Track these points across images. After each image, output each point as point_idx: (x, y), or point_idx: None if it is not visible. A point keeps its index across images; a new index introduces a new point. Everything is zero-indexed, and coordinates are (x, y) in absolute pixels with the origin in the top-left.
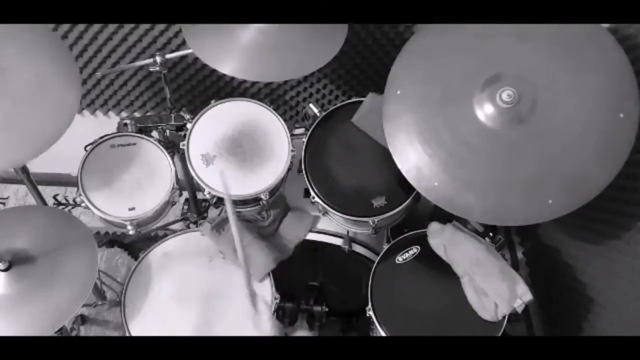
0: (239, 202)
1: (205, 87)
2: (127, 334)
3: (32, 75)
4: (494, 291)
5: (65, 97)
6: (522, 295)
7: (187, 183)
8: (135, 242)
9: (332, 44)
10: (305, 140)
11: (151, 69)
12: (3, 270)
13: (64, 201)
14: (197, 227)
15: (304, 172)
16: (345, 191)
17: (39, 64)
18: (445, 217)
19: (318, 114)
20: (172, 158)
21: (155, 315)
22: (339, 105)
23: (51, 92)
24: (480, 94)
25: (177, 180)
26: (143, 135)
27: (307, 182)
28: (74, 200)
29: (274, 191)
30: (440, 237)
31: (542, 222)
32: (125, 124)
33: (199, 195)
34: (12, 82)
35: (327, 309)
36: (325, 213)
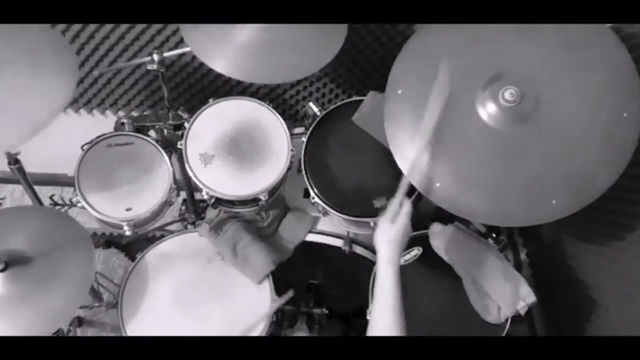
0: (237, 203)
1: (203, 86)
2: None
3: (26, 60)
4: (497, 293)
5: (58, 79)
6: (525, 297)
7: (185, 183)
8: (133, 243)
9: (331, 44)
10: (305, 139)
11: (149, 68)
12: None
13: (60, 201)
14: (195, 227)
15: (303, 172)
16: (345, 191)
17: (35, 51)
18: (447, 218)
19: (318, 113)
20: (170, 157)
21: (153, 317)
22: (339, 104)
23: (44, 74)
24: (483, 93)
25: (175, 180)
26: (140, 135)
27: (307, 182)
28: (70, 200)
29: (273, 191)
30: (442, 238)
31: (546, 222)
32: (123, 123)
33: (197, 196)
34: (7, 69)
35: (326, 311)
36: (325, 213)
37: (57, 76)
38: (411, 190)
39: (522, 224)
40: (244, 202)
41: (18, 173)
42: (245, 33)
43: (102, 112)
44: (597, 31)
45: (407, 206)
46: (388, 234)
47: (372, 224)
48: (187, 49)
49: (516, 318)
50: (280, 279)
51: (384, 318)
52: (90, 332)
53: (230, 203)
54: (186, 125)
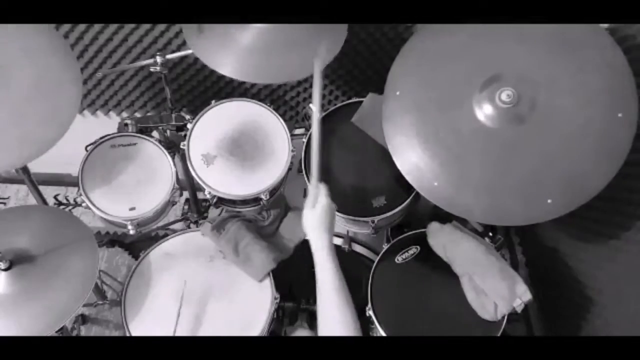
0: (239, 202)
1: (206, 88)
2: (127, 334)
3: (34, 74)
4: (494, 291)
5: (66, 98)
6: (522, 295)
7: (188, 183)
8: (136, 242)
9: (332, 44)
10: (305, 140)
11: (152, 70)
12: (4, 270)
13: (64, 201)
14: (197, 227)
15: (304, 172)
16: (345, 191)
17: (41, 62)
18: (444, 217)
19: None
20: (173, 158)
21: (156, 315)
22: (339, 105)
23: (52, 92)
24: (480, 94)
25: (178, 180)
26: (144, 136)
27: (307, 182)
28: (74, 200)
29: (274, 191)
30: (439, 237)
31: (542, 221)
32: (126, 124)
33: (200, 195)
34: (14, 81)
35: None
36: None
37: (63, 90)
38: (408, 190)
39: (519, 223)
40: (245, 202)
41: (23, 173)
42: (246, 34)
43: (106, 113)
44: (593, 33)
45: (323, 188)
46: (312, 220)
47: (371, 222)
48: (189, 52)
49: (513, 316)
50: (281, 277)
51: (330, 302)
52: (94, 329)
53: (232, 202)
54: (189, 126)
